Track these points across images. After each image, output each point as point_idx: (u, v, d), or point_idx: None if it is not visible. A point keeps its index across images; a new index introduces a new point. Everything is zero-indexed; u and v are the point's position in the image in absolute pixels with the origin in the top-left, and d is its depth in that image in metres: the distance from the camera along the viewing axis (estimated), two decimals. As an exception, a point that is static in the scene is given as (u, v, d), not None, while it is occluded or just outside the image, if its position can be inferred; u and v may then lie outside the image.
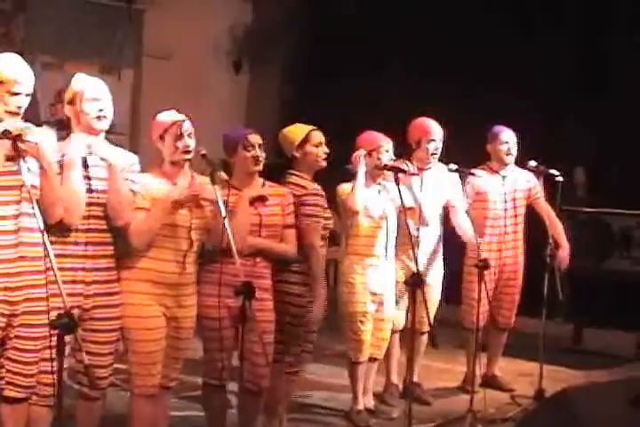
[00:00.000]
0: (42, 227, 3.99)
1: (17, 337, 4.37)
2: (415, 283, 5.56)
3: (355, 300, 5.99)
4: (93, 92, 4.69)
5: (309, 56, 10.74)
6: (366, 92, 9.76)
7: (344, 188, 5.91)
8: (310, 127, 5.58)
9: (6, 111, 4.24)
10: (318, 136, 5.57)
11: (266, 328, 5.17)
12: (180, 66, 10.18)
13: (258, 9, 11.22)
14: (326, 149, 5.56)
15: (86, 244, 4.67)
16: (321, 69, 10.33)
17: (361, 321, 5.98)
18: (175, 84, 9.99)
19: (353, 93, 9.78)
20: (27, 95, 4.34)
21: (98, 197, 4.68)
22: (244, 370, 4.88)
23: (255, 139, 5.26)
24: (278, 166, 5.53)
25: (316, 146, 5.54)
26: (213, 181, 4.75)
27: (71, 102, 4.69)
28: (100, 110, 4.67)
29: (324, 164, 5.57)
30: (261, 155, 5.21)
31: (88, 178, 4.67)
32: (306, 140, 5.52)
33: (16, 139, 4.11)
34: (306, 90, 10.65)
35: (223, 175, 4.92)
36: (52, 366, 4.08)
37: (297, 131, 5.57)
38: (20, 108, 4.29)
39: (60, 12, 9.28)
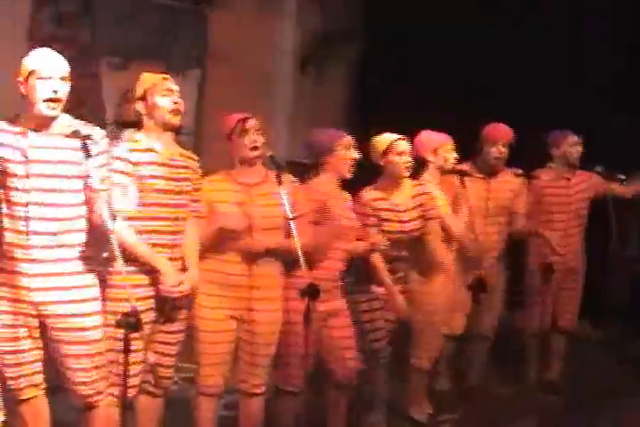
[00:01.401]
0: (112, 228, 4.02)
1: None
2: (478, 287, 5.54)
3: None
4: (165, 86, 4.70)
5: (376, 58, 10.69)
6: (432, 96, 9.70)
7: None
8: (396, 136, 5.57)
9: (44, 100, 4.20)
10: (402, 145, 5.55)
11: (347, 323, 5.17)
12: (245, 67, 10.17)
13: (325, 11, 11.19)
14: (409, 159, 5.55)
15: (172, 246, 4.69)
16: (387, 72, 10.28)
17: None
18: (240, 85, 10.00)
19: (417, 97, 9.73)
20: (61, 79, 4.31)
21: (182, 199, 4.69)
22: (336, 367, 4.96)
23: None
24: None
25: (400, 155, 5.52)
26: (280, 183, 4.74)
27: (142, 98, 4.70)
28: (175, 103, 4.68)
29: (407, 173, 5.58)
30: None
31: (174, 180, 4.68)
32: (389, 149, 5.51)
33: (85, 139, 4.14)
34: (371, 92, 10.61)
35: (290, 177, 4.91)
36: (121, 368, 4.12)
37: (382, 139, 5.56)
38: (55, 92, 4.26)
39: (125, 14, 9.32)
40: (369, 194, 5.56)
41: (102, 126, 4.64)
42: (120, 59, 9.18)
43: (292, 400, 5.28)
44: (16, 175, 4.27)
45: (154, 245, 4.60)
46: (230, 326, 4.92)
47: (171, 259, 4.63)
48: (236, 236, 4.84)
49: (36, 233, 4.27)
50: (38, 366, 4.48)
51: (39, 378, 4.49)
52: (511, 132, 6.50)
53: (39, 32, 8.97)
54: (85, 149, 4.13)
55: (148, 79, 4.78)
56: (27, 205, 4.27)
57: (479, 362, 6.81)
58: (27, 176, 4.26)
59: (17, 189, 4.27)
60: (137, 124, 4.86)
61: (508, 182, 6.52)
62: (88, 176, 4.22)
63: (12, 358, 4.38)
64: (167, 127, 4.73)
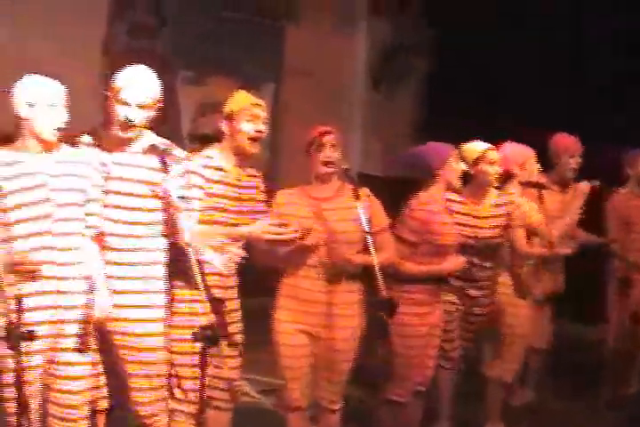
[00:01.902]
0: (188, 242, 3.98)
1: None
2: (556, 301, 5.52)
3: None
4: (253, 112, 4.68)
5: (448, 73, 10.65)
6: (503, 112, 9.63)
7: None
8: (487, 145, 5.53)
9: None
10: (493, 155, 5.50)
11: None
12: (320, 82, 10.21)
13: (398, 27, 11.18)
14: (499, 169, 5.51)
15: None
16: (459, 87, 10.22)
17: None
18: (314, 99, 10.03)
19: (489, 113, 9.67)
20: (141, 107, 4.27)
21: (238, 218, 4.68)
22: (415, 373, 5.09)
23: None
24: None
25: (491, 164, 5.47)
26: (357, 197, 4.70)
27: (228, 118, 4.69)
28: (258, 131, 4.66)
29: (496, 182, 5.53)
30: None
31: (238, 200, 4.67)
32: (480, 158, 5.46)
33: (164, 154, 4.13)
34: (445, 107, 10.56)
35: (366, 190, 4.87)
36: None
37: (473, 148, 5.51)
38: (132, 120, 4.25)
39: (201, 28, 9.40)
40: (449, 195, 5.48)
41: (178, 139, 4.63)
42: (195, 73, 9.26)
43: (398, 410, 5.28)
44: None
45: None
46: (303, 340, 4.88)
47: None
48: (309, 251, 4.80)
49: (111, 249, 4.31)
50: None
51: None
52: (579, 142, 6.43)
53: (115, 45, 9.08)
54: (163, 163, 4.12)
55: (238, 101, 4.72)
56: (105, 220, 4.25)
57: (536, 375, 6.67)
58: (105, 192, 4.25)
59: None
60: (211, 139, 4.85)
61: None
62: (168, 195, 4.23)
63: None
64: (243, 152, 4.70)
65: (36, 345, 3.98)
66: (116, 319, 4.29)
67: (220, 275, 4.63)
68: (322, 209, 4.85)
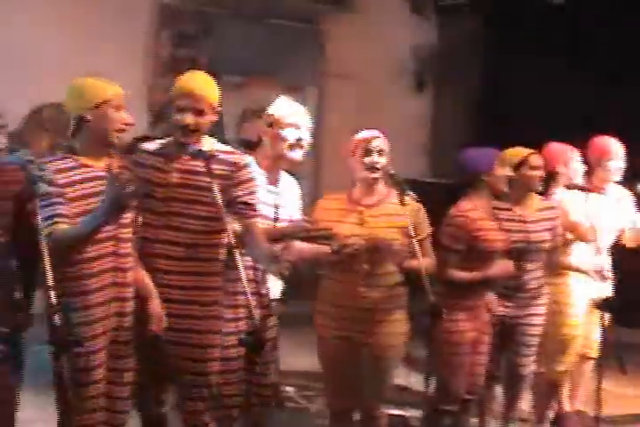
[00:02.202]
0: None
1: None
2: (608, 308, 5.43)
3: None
4: (294, 119, 4.67)
5: (493, 76, 10.60)
6: (548, 113, 9.55)
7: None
8: (529, 150, 5.49)
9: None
10: (536, 159, 5.47)
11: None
12: (363, 85, 10.20)
13: (441, 28, 11.16)
14: (542, 173, 5.48)
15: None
16: (505, 90, 10.18)
17: None
18: (358, 103, 10.02)
19: (536, 114, 9.60)
20: (199, 112, 4.23)
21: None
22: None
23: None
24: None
25: (534, 169, 5.44)
26: (402, 202, 4.67)
27: (270, 125, 4.68)
28: (298, 139, 4.65)
29: (539, 187, 5.50)
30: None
31: (276, 207, 4.67)
32: (523, 163, 5.43)
33: (209, 159, 4.11)
34: (489, 110, 10.52)
35: (412, 195, 4.84)
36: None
37: (515, 153, 5.48)
38: (188, 125, 4.21)
39: (244, 34, 9.43)
40: (495, 204, 5.44)
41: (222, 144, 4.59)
42: (239, 78, 9.29)
43: (449, 419, 5.25)
44: (155, 198, 4.25)
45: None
46: (343, 346, 4.84)
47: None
48: (353, 257, 4.78)
49: (170, 257, 4.27)
50: None
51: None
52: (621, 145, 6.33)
53: (160, 52, 9.15)
54: (208, 168, 4.10)
55: (279, 107, 4.71)
56: (161, 228, 4.26)
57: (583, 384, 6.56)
58: (164, 199, 4.25)
59: (153, 213, 4.26)
60: (254, 145, 4.83)
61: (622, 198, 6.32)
62: (239, 202, 4.24)
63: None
64: (283, 159, 4.69)
65: (97, 359, 3.98)
66: (174, 329, 4.26)
67: (255, 281, 4.62)
68: (366, 215, 4.82)
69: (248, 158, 4.42)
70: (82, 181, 3.96)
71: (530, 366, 5.58)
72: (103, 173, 3.99)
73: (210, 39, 9.39)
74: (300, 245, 4.64)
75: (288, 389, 6.43)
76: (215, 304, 4.33)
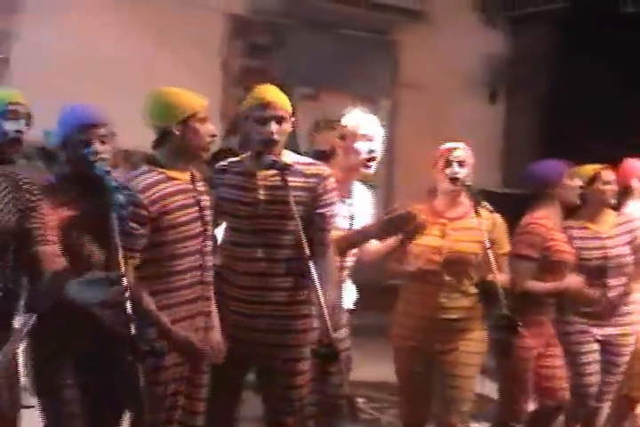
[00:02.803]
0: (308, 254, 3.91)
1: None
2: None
3: None
4: (367, 131, 4.62)
5: (565, 85, 10.50)
6: (623, 124, 9.43)
7: None
8: (600, 166, 5.44)
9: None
10: (608, 175, 5.41)
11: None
12: (436, 96, 10.17)
13: (513, 38, 11.10)
14: (615, 188, 5.42)
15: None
16: (577, 99, 10.07)
17: None
18: (430, 113, 9.99)
19: (609, 124, 9.49)
20: (278, 122, 4.17)
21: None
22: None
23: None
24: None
25: (607, 184, 5.38)
26: (477, 214, 4.64)
27: (343, 137, 4.67)
28: (371, 151, 4.64)
29: (613, 201, 5.43)
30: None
31: (351, 218, 4.67)
32: (595, 178, 5.38)
33: (284, 169, 4.13)
34: (561, 119, 10.41)
35: (488, 207, 4.80)
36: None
37: (589, 168, 5.43)
38: (272, 133, 4.14)
39: (316, 45, 9.46)
40: (569, 223, 5.40)
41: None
42: (311, 89, 9.33)
43: None
44: (242, 217, 4.22)
45: None
46: (419, 357, 4.82)
47: None
48: (429, 268, 4.77)
49: (259, 275, 4.22)
50: None
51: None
52: None
53: (233, 64, 9.22)
54: (283, 179, 4.04)
55: (351, 120, 4.70)
56: (253, 246, 4.20)
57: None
58: (254, 217, 4.20)
59: (243, 231, 4.22)
60: (327, 156, 4.82)
61: None
62: (316, 214, 4.19)
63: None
64: (358, 172, 4.67)
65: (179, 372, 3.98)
66: (262, 344, 4.24)
67: None
68: (449, 228, 4.81)
69: (328, 170, 4.35)
70: (172, 194, 3.94)
71: (614, 385, 5.48)
72: (190, 186, 4.00)
73: (282, 50, 9.44)
74: (375, 248, 4.61)
75: (358, 400, 6.41)
76: (304, 318, 4.29)
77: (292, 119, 4.24)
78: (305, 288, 4.22)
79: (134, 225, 3.80)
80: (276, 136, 4.14)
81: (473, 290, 4.77)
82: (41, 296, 2.69)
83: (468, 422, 4.88)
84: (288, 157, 4.24)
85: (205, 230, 4.01)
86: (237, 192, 4.22)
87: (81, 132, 3.77)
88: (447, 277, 4.73)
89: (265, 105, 4.15)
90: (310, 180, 4.20)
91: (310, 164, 4.28)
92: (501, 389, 5.18)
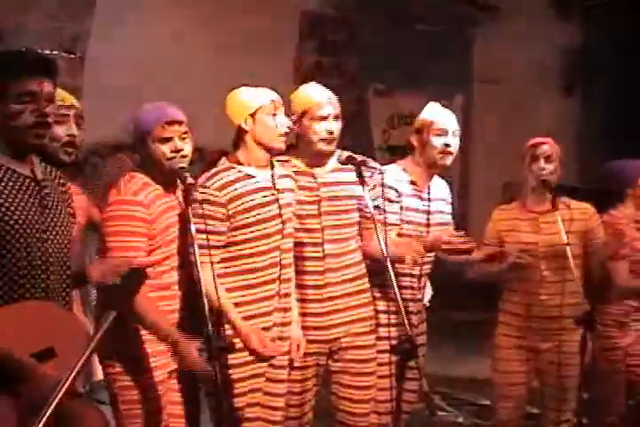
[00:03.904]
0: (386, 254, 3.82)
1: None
2: None
3: None
4: (443, 125, 4.59)
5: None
6: None
7: None
8: None
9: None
10: None
11: None
12: (511, 89, 10.09)
13: (588, 33, 10.95)
14: None
15: (421, 276, 4.66)
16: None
17: None
18: (506, 107, 9.91)
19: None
20: (335, 118, 4.24)
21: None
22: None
23: None
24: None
25: None
26: (555, 207, 4.59)
27: (419, 131, 4.66)
28: (447, 145, 4.60)
29: None
30: None
31: (426, 212, 4.65)
32: None
33: (360, 164, 4.09)
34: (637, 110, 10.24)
35: (565, 201, 4.76)
36: (391, 395, 4.04)
37: None
38: (331, 132, 4.20)
39: (389, 41, 9.43)
40: None
41: (370, 151, 4.60)
42: (385, 85, 9.30)
43: None
44: (310, 215, 4.25)
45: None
46: (521, 356, 4.79)
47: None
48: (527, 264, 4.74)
49: (330, 270, 4.28)
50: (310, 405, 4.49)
51: (310, 416, 4.48)
52: None
53: (305, 60, 9.23)
54: (360, 175, 4.02)
55: (427, 114, 4.66)
56: (322, 244, 4.26)
57: None
58: (319, 215, 4.26)
59: (311, 230, 4.25)
60: (402, 151, 4.81)
61: None
62: (365, 206, 4.20)
63: (297, 398, 4.35)
64: (434, 167, 4.67)
65: (260, 368, 4.01)
66: (341, 336, 4.31)
67: (412, 288, 4.60)
68: (541, 222, 4.77)
69: (379, 166, 4.43)
70: (249, 193, 3.98)
71: None
72: (268, 184, 4.03)
73: (355, 46, 9.42)
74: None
75: (434, 396, 6.39)
76: (368, 306, 4.38)
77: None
78: (365, 276, 4.34)
79: (212, 222, 3.85)
80: (335, 134, 4.20)
81: (574, 287, 4.71)
82: (119, 293, 2.69)
83: (570, 420, 4.85)
84: (341, 152, 4.31)
85: (284, 228, 4.03)
86: (299, 192, 4.25)
87: (161, 129, 3.81)
88: (546, 273, 4.70)
89: (323, 103, 4.21)
90: (360, 168, 4.18)
91: (362, 159, 4.28)
92: (595, 388, 5.10)
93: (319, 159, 4.31)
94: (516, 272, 4.75)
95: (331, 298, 4.27)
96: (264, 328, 4.01)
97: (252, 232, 3.96)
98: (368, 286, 4.39)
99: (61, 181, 3.36)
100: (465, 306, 5.05)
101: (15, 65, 3.11)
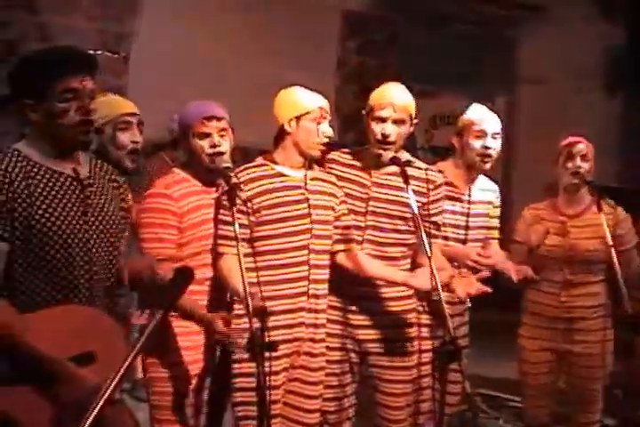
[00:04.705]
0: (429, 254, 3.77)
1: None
2: None
3: None
4: (483, 127, 4.56)
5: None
6: None
7: None
8: None
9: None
10: None
11: None
12: (554, 89, 10.03)
13: (632, 33, 10.86)
14: None
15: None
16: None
17: None
18: (549, 108, 9.85)
19: None
20: (396, 122, 4.15)
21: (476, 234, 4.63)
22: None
23: None
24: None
25: None
26: (599, 208, 4.55)
27: (459, 133, 4.63)
28: (486, 148, 4.58)
29: None
30: None
31: (469, 215, 4.62)
32: None
33: (405, 165, 4.03)
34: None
35: (610, 203, 4.72)
36: (432, 396, 4.03)
37: None
38: (388, 135, 4.13)
39: (432, 41, 9.41)
40: None
41: (412, 152, 4.56)
42: (428, 86, 9.26)
43: None
44: (356, 212, 4.22)
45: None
46: (546, 357, 4.77)
47: None
48: (552, 266, 4.70)
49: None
50: (350, 401, 4.47)
51: (352, 412, 4.46)
52: None
53: (348, 61, 9.23)
54: (404, 175, 3.97)
55: (467, 116, 4.65)
56: (362, 242, 4.23)
57: None
58: (365, 213, 4.23)
59: (354, 227, 4.21)
60: (444, 152, 4.79)
61: None
62: (428, 221, 4.20)
63: (335, 391, 4.32)
64: (474, 169, 4.65)
65: (281, 364, 3.98)
66: (374, 340, 4.29)
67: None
68: (569, 226, 4.72)
69: (442, 177, 4.36)
70: (276, 190, 3.99)
71: None
72: (300, 184, 4.03)
73: (397, 46, 9.40)
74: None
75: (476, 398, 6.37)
76: (412, 312, 4.33)
77: (415, 121, 4.23)
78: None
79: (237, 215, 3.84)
80: (391, 138, 4.14)
81: (598, 287, 4.68)
82: (167, 293, 2.69)
83: (598, 421, 4.83)
84: (405, 158, 4.24)
85: (313, 228, 4.02)
86: (352, 187, 4.24)
87: (201, 124, 3.87)
88: (570, 276, 4.67)
89: (387, 104, 4.15)
90: (425, 185, 4.20)
91: (425, 169, 4.28)
92: (628, 386, 5.07)
93: (377, 160, 4.24)
94: (541, 273, 4.71)
95: (363, 298, 4.25)
96: (287, 325, 3.99)
97: (275, 229, 3.96)
98: (411, 292, 4.29)
99: (113, 177, 3.37)
100: (504, 306, 5.00)
101: (57, 63, 3.09)
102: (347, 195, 4.21)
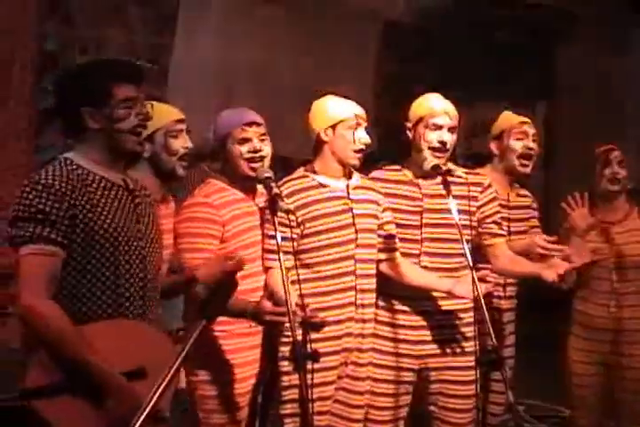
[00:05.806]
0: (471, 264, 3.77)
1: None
2: None
3: None
4: (522, 129, 4.61)
5: None
6: None
7: None
8: None
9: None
10: None
11: None
12: (592, 97, 9.99)
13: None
14: None
15: (505, 285, 4.60)
16: None
17: None
18: (587, 117, 9.81)
19: None
20: (450, 130, 4.20)
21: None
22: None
23: None
24: None
25: None
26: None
27: (498, 138, 4.63)
28: (527, 148, 4.57)
29: None
30: None
31: (509, 220, 4.60)
32: None
33: (445, 174, 4.03)
34: None
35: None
36: (475, 403, 4.00)
37: None
38: (444, 143, 4.15)
39: (470, 49, 9.39)
40: None
41: (452, 159, 4.56)
42: (466, 93, 9.23)
43: None
44: (411, 226, 4.23)
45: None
46: (593, 369, 4.71)
47: None
48: (599, 275, 4.66)
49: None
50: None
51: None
52: None
53: (385, 69, 9.23)
54: (445, 183, 3.95)
55: (506, 119, 4.69)
56: (419, 255, 4.23)
57: None
58: (420, 226, 4.22)
59: (409, 241, 4.22)
60: (483, 159, 4.79)
61: None
62: (489, 222, 4.24)
63: (388, 413, 4.28)
64: (514, 173, 4.63)
65: (329, 375, 3.98)
66: (432, 355, 4.28)
67: (498, 297, 4.55)
68: (612, 232, 4.68)
69: (486, 179, 4.37)
70: (318, 202, 4.00)
71: None
72: (343, 194, 4.03)
73: (435, 55, 9.39)
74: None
75: (519, 407, 6.31)
76: (470, 325, 4.29)
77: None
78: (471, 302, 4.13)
79: (281, 229, 3.83)
80: (448, 145, 4.16)
81: None
82: (212, 302, 2.70)
83: None
84: (451, 166, 4.25)
85: (357, 237, 4.02)
86: (401, 201, 4.21)
87: (241, 130, 3.88)
88: (617, 285, 4.62)
89: (440, 113, 4.17)
90: (472, 188, 4.17)
91: (470, 173, 4.29)
92: None
93: (423, 171, 4.23)
94: (588, 282, 4.67)
95: (423, 312, 4.23)
96: (334, 337, 3.99)
97: (320, 240, 3.97)
98: (470, 306, 4.19)
99: (146, 192, 3.39)
100: (547, 317, 4.97)
101: (116, 71, 3.15)
102: (397, 210, 4.20)
